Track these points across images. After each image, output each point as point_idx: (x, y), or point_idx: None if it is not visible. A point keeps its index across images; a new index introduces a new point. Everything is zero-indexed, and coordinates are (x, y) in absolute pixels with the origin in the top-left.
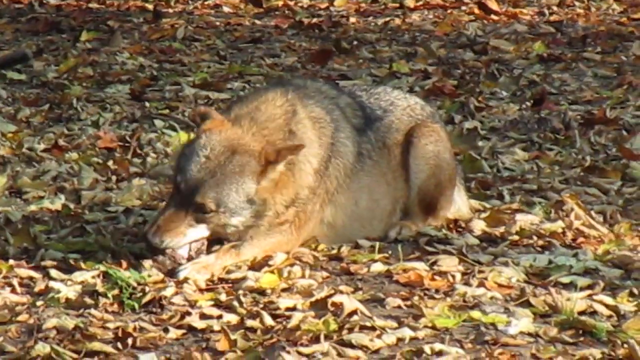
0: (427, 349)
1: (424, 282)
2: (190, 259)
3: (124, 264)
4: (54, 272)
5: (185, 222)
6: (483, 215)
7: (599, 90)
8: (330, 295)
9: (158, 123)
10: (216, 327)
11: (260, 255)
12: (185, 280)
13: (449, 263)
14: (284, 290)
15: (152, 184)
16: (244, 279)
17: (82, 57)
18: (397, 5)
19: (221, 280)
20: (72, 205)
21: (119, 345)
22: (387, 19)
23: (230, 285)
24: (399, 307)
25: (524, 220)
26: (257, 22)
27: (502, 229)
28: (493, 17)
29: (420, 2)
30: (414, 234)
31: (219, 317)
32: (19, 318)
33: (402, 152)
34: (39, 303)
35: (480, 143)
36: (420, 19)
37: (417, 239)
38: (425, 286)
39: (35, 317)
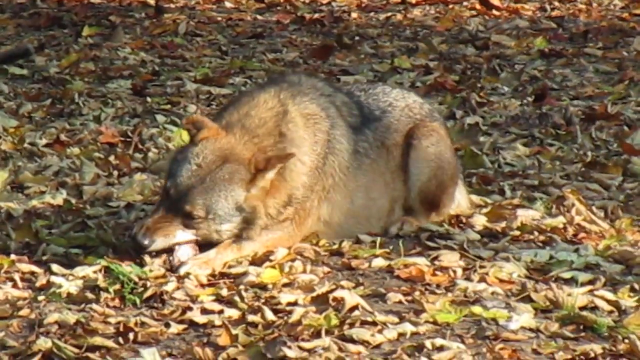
0: (428, 344)
1: (425, 278)
2: None
3: (126, 259)
4: (55, 267)
5: (174, 225)
6: (484, 210)
7: (600, 86)
8: (332, 291)
9: (160, 118)
10: (217, 322)
11: (261, 250)
12: (187, 275)
13: (450, 258)
14: (285, 285)
15: (153, 179)
16: (245, 274)
17: (84, 52)
18: (399, 0)
19: (222, 275)
20: (73, 200)
21: (121, 340)
22: (389, 14)
23: (232, 280)
24: (400, 302)
25: (525, 215)
26: (259, 17)
27: (503, 224)
28: (494, 12)
29: None
30: (415, 230)
31: (220, 312)
32: (21, 313)
33: (402, 153)
34: (40, 298)
35: (481, 138)
36: (421, 15)
37: (418, 234)
38: (427, 281)
39: (36, 311)
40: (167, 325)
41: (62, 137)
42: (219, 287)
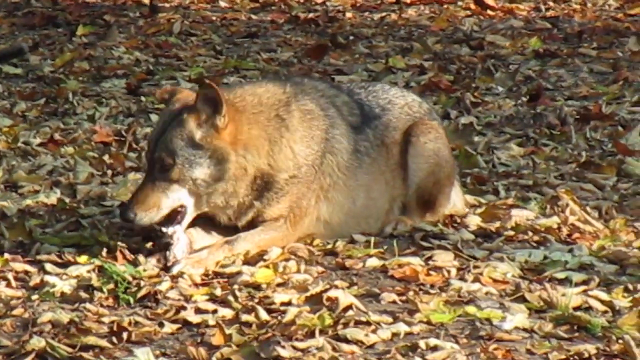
0: (422, 344)
1: (419, 277)
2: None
3: (119, 258)
4: (49, 266)
5: (156, 193)
6: (478, 210)
7: (594, 86)
8: (326, 290)
9: (154, 117)
10: (211, 322)
11: (254, 250)
12: (180, 274)
13: (444, 258)
14: (279, 285)
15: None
16: (239, 273)
17: (78, 51)
18: (393, 0)
19: (216, 274)
20: (67, 200)
21: (114, 339)
22: (384, 14)
23: (226, 279)
24: (394, 302)
25: (519, 215)
26: (253, 16)
27: (497, 224)
28: (489, 12)
29: None
30: (409, 229)
31: (214, 311)
32: (14, 312)
33: (400, 151)
34: (34, 297)
35: (476, 138)
36: (416, 14)
37: (413, 234)
38: (421, 281)
39: (30, 311)
40: (161, 325)
41: (56, 136)
42: (213, 287)
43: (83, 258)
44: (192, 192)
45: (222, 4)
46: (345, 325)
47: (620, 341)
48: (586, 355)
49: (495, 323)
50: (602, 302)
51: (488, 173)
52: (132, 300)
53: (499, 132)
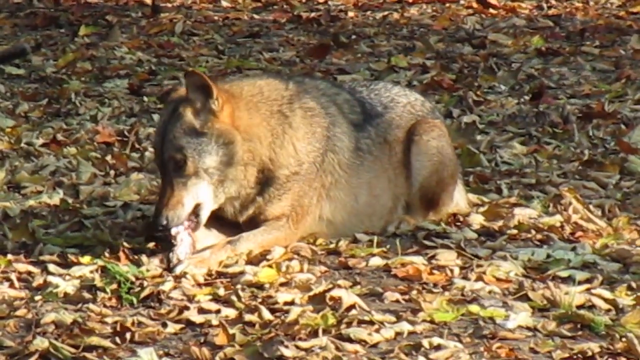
0: (425, 343)
1: (422, 276)
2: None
3: (122, 258)
4: (52, 267)
5: (177, 192)
6: (481, 209)
7: (597, 84)
8: (329, 290)
9: (156, 118)
10: (214, 322)
11: (257, 250)
12: (183, 274)
13: (448, 257)
14: (282, 284)
15: (150, 178)
16: (242, 273)
17: (81, 51)
18: None
19: (219, 274)
20: (70, 200)
21: (117, 339)
22: (386, 13)
23: (229, 279)
24: (397, 301)
25: (522, 214)
26: (256, 16)
27: (500, 223)
28: (491, 11)
29: None
30: (412, 228)
31: (217, 311)
32: (17, 313)
33: (403, 149)
34: (37, 298)
35: (478, 137)
36: (418, 13)
37: (416, 233)
38: (424, 280)
39: (33, 311)
40: (164, 325)
41: (59, 136)
42: (216, 287)
43: (86, 258)
44: (209, 182)
45: (224, 3)
46: (349, 324)
47: (624, 339)
48: (590, 353)
49: (498, 322)
50: (606, 300)
51: (491, 172)
52: (135, 300)
53: (502, 130)
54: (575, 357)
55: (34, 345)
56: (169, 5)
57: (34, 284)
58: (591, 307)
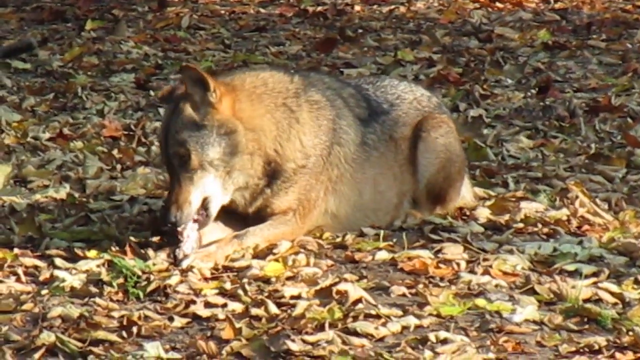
0: (432, 336)
1: (429, 270)
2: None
3: (129, 252)
4: (58, 261)
5: (184, 188)
6: (488, 203)
7: (604, 78)
8: (335, 284)
9: (163, 112)
10: (221, 316)
11: (263, 244)
12: (190, 268)
13: (454, 251)
14: (288, 278)
15: (156, 172)
16: (248, 267)
17: (87, 46)
18: None
19: (226, 268)
20: (76, 194)
21: (124, 333)
22: (392, 7)
23: (235, 273)
24: (404, 295)
25: (528, 208)
26: (262, 10)
27: (506, 216)
28: (498, 4)
29: None
30: (418, 222)
31: (224, 305)
32: (24, 307)
33: (409, 146)
34: (43, 292)
35: (485, 131)
36: (425, 7)
37: (422, 227)
38: (430, 274)
39: (40, 305)
40: (171, 319)
41: (65, 131)
42: (223, 281)
43: (92, 252)
44: (215, 175)
45: None
46: (355, 318)
47: (631, 333)
48: (596, 347)
49: (505, 315)
50: (612, 294)
51: (497, 165)
52: (141, 294)
53: (508, 124)
54: (581, 350)
55: (41, 339)
56: None
57: (41, 278)
58: (598, 300)
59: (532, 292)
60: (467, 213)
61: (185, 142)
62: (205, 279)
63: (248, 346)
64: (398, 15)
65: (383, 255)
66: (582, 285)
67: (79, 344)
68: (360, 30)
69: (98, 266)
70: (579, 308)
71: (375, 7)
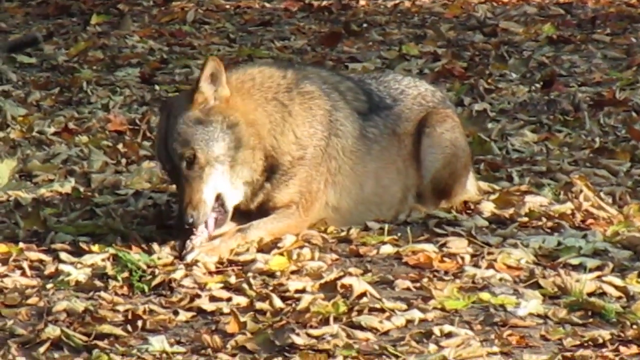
0: (436, 330)
1: (433, 264)
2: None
3: (134, 246)
4: (63, 255)
5: (194, 189)
6: (492, 197)
7: (608, 72)
8: (340, 278)
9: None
10: (226, 310)
11: (268, 238)
12: (194, 262)
13: (458, 245)
14: (293, 272)
15: (161, 167)
16: (253, 261)
17: (92, 40)
18: None
19: (230, 262)
20: (82, 189)
21: (129, 327)
22: (397, 1)
23: (240, 267)
24: (408, 289)
25: (533, 201)
26: (267, 5)
27: (511, 210)
28: None
29: None
30: (423, 216)
31: (229, 299)
32: (29, 301)
33: (413, 141)
34: (49, 286)
35: (489, 125)
36: (429, 1)
37: (427, 221)
38: (435, 268)
39: (45, 299)
40: (176, 313)
41: (71, 125)
42: (227, 275)
43: (98, 247)
44: (222, 170)
45: None
46: (360, 312)
47: (635, 326)
48: (600, 340)
49: (509, 309)
50: (617, 287)
51: (502, 159)
52: (146, 288)
53: (513, 118)
54: (586, 344)
55: (46, 333)
56: None
57: (46, 272)
58: (602, 294)
59: (537, 285)
60: (472, 207)
61: (189, 142)
62: (210, 273)
63: (253, 340)
64: (403, 10)
65: (387, 249)
66: (587, 279)
67: (84, 338)
68: (365, 25)
69: (103, 260)
70: (583, 302)
71: (380, 1)
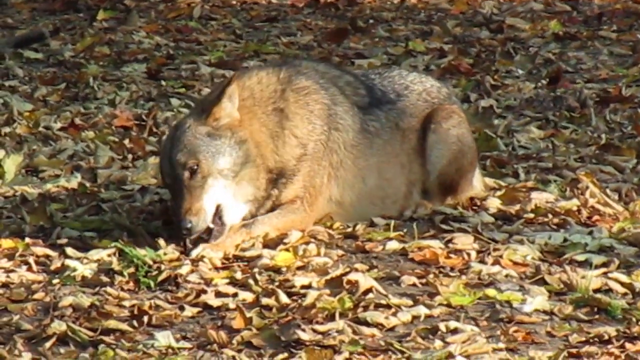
0: (442, 326)
1: (439, 260)
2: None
3: (140, 242)
4: (70, 251)
5: (194, 198)
6: (498, 193)
7: (614, 68)
8: (346, 273)
9: (174, 102)
10: (232, 305)
11: (273, 233)
12: (200, 258)
13: (464, 241)
14: (299, 268)
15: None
16: (259, 257)
17: (99, 36)
18: None
19: (236, 258)
20: (88, 184)
21: (135, 323)
22: None
23: (246, 263)
24: (414, 285)
25: (539, 198)
26: (273, 0)
27: (517, 207)
28: None
29: None
30: (429, 213)
31: (235, 295)
32: (35, 296)
33: (419, 137)
34: (55, 281)
35: (495, 121)
36: None
37: (433, 217)
38: (441, 264)
39: (51, 295)
40: (182, 309)
41: (77, 120)
42: (233, 270)
43: (104, 242)
44: (225, 184)
45: None
46: (366, 308)
47: None
48: (606, 337)
49: (515, 305)
50: (622, 284)
51: (508, 156)
52: (152, 284)
53: (519, 115)
54: (591, 340)
55: (52, 328)
56: None
57: (52, 268)
58: (608, 291)
59: (542, 282)
60: (478, 203)
61: (195, 152)
62: (216, 269)
63: (259, 336)
64: (409, 6)
65: (393, 245)
66: (592, 275)
67: (90, 333)
68: (371, 21)
69: (109, 255)
70: (589, 298)
71: None
